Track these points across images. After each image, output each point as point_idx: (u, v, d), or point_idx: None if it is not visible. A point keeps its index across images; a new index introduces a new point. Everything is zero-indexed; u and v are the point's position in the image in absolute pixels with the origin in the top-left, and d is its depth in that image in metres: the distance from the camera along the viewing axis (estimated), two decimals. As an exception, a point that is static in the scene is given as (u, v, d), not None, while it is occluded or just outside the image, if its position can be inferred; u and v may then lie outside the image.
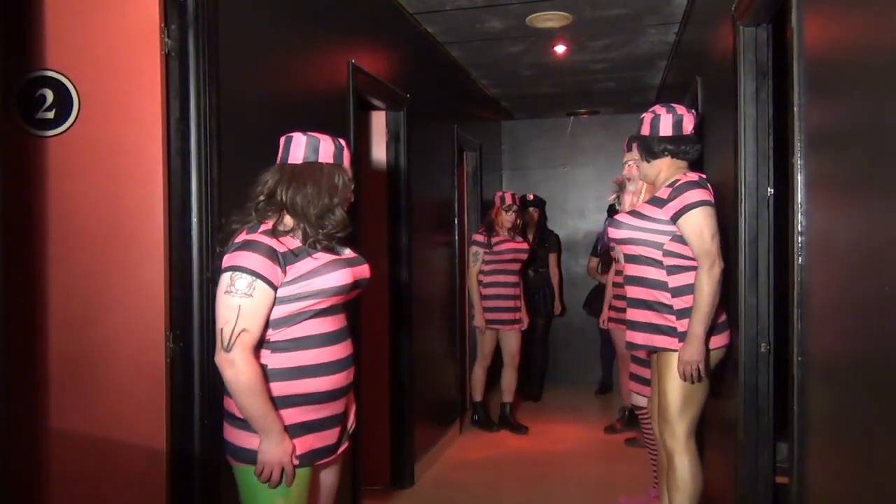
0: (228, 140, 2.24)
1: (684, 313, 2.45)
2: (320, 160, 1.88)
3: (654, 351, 2.59)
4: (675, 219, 2.44)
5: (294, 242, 1.84)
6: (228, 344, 1.72)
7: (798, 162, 1.72)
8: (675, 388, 2.48)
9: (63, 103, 2.07)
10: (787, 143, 1.89)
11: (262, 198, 1.86)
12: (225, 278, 1.76)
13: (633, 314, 2.58)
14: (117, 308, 2.08)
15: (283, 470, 1.77)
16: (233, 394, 1.76)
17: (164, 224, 2.06)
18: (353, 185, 1.93)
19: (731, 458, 2.59)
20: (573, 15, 3.97)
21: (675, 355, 2.47)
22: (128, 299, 2.08)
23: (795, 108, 1.73)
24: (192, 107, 2.11)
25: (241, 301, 1.73)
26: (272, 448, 1.75)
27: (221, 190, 2.19)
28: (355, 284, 1.94)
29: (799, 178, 1.72)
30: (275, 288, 1.78)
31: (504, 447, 4.62)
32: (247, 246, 1.78)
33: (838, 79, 1.53)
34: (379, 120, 3.89)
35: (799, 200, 1.72)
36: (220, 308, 1.76)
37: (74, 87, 2.07)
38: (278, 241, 1.81)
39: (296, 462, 1.80)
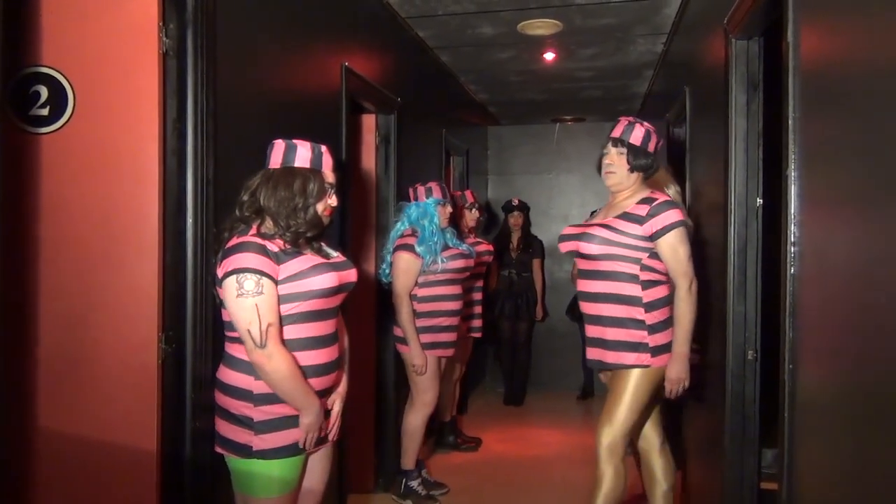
0: (224, 140, 2.23)
1: (655, 328, 2.47)
2: (296, 165, 1.96)
3: (622, 368, 2.50)
4: (654, 237, 2.46)
5: (281, 244, 1.92)
6: (262, 341, 1.81)
7: (792, 174, 1.75)
8: (636, 402, 2.47)
9: (57, 100, 2.05)
10: (776, 153, 1.93)
11: (245, 200, 1.96)
12: (231, 283, 1.83)
13: (605, 332, 2.51)
14: (109, 308, 2.06)
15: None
16: (275, 384, 1.85)
17: (159, 224, 2.05)
18: (331, 189, 2.00)
19: (718, 464, 2.63)
20: (563, 23, 4.01)
21: (641, 371, 2.46)
22: (120, 299, 2.05)
23: (790, 122, 1.76)
24: (190, 106, 2.10)
25: (255, 300, 1.81)
26: (312, 420, 1.91)
27: (217, 190, 2.17)
28: (340, 288, 1.99)
29: (792, 190, 1.75)
30: (276, 283, 1.86)
31: (487, 452, 4.63)
32: (241, 248, 1.86)
33: (833, 93, 1.56)
34: (369, 123, 3.89)
35: (792, 212, 1.75)
36: (237, 312, 1.83)
37: (70, 84, 2.05)
38: (269, 241, 1.90)
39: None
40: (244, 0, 2.43)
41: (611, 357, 2.51)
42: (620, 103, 6.12)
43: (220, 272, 1.88)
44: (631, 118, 2.62)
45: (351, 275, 2.04)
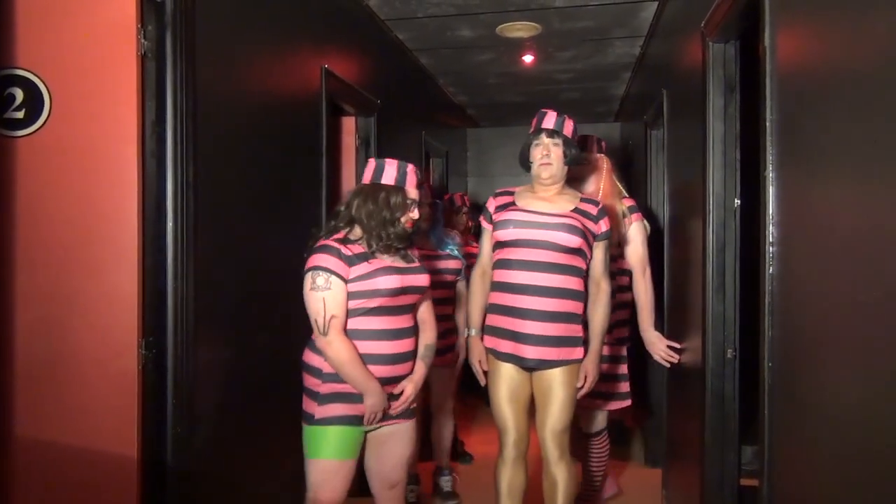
0: (204, 142, 2.21)
1: (584, 321, 2.57)
2: (383, 182, 2.25)
3: (566, 364, 2.51)
4: (599, 237, 2.56)
5: (358, 249, 2.22)
6: (325, 329, 2.15)
7: (770, 175, 1.78)
8: (573, 396, 2.56)
9: (33, 103, 2.02)
10: (754, 155, 1.96)
11: (342, 211, 2.28)
12: (308, 277, 2.18)
13: (553, 329, 2.47)
14: (88, 313, 2.03)
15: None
16: (336, 367, 2.18)
17: (138, 228, 2.03)
18: (412, 204, 2.26)
19: (698, 461, 2.65)
20: (542, 26, 4.04)
21: (575, 366, 2.53)
22: (99, 304, 2.03)
23: (767, 124, 1.79)
24: (169, 109, 2.08)
25: (323, 294, 2.14)
26: (374, 401, 2.20)
27: (197, 193, 2.15)
28: (404, 290, 2.24)
29: (770, 191, 1.78)
30: (345, 281, 2.16)
31: (471, 453, 4.63)
32: (320, 249, 2.20)
33: (810, 95, 1.59)
34: (349, 125, 3.88)
35: (770, 212, 1.78)
36: (309, 303, 2.17)
37: (46, 86, 2.02)
38: (346, 246, 2.21)
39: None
40: (224, 2, 2.41)
41: (554, 354, 2.48)
42: (599, 105, 6.18)
43: (305, 267, 2.20)
44: (555, 109, 2.63)
45: (418, 279, 2.30)
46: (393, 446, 2.36)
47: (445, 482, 3.76)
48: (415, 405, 2.41)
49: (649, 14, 3.81)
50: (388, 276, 2.19)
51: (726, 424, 2.53)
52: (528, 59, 4.72)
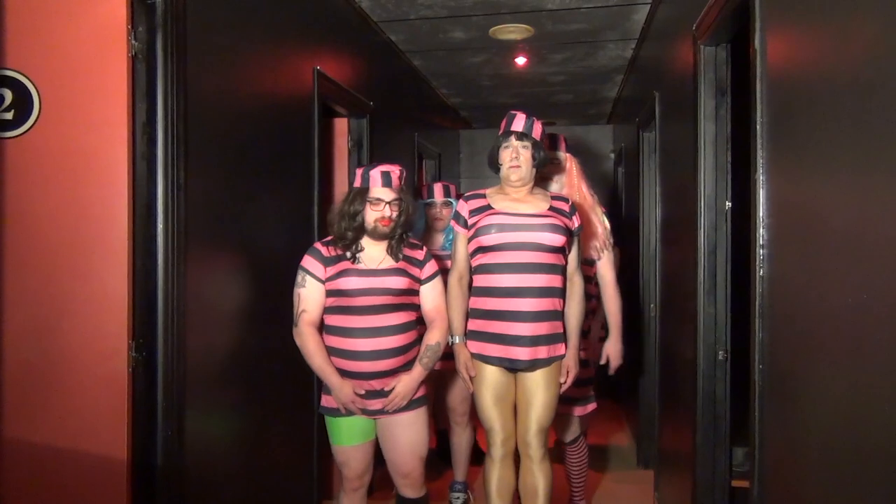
0: (195, 144, 2.20)
1: (562, 317, 2.59)
2: (355, 185, 2.45)
3: (552, 361, 2.53)
4: (574, 233, 2.60)
5: (336, 251, 2.41)
6: (296, 321, 2.38)
7: (760, 178, 1.79)
8: (557, 393, 2.58)
9: (23, 104, 2.01)
10: (745, 157, 1.96)
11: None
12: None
13: (545, 328, 2.49)
14: (78, 316, 2.02)
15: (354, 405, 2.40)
16: (304, 356, 2.40)
17: (128, 230, 2.02)
18: (379, 202, 2.37)
19: (689, 463, 2.66)
20: (535, 28, 4.04)
21: (560, 362, 2.56)
22: (89, 307, 2.02)
23: (758, 126, 1.79)
24: (160, 110, 2.07)
25: (299, 290, 2.39)
26: (335, 392, 2.40)
27: (188, 195, 2.15)
28: (366, 291, 2.36)
29: (761, 193, 1.79)
30: (321, 281, 2.38)
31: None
32: (308, 250, 2.45)
33: (800, 98, 1.60)
34: (341, 127, 3.87)
35: (761, 215, 1.79)
36: (293, 297, 2.40)
37: (35, 87, 2.01)
38: (328, 248, 2.43)
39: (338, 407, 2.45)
40: (215, 3, 2.40)
41: (544, 352, 2.51)
42: (591, 107, 6.19)
43: None
44: (523, 112, 2.62)
45: (388, 282, 2.39)
46: (397, 434, 2.47)
47: (455, 499, 3.56)
48: (421, 395, 2.50)
49: (641, 17, 3.82)
50: (350, 277, 2.37)
51: (717, 426, 2.54)
52: (520, 61, 4.73)
